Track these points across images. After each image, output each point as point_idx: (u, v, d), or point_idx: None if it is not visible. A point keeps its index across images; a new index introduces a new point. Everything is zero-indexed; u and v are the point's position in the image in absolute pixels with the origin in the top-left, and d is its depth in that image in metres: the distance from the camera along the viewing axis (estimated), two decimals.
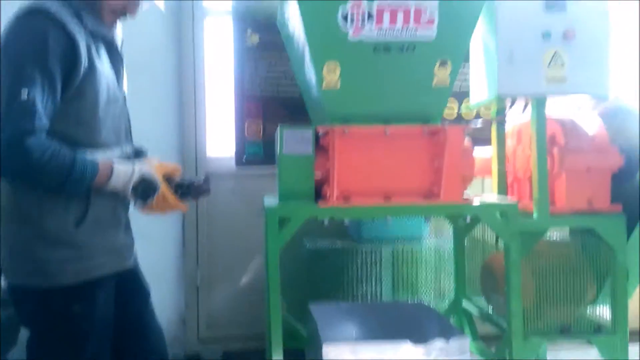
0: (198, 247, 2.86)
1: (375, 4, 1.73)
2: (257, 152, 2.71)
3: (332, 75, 1.76)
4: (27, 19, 1.31)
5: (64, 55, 1.30)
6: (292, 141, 1.80)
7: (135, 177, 1.40)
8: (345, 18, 1.73)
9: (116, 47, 1.52)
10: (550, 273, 2.01)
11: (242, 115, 2.69)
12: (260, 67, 2.68)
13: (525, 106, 2.00)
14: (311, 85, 1.90)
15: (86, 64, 1.34)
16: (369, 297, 2.51)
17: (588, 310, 2.10)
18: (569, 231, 2.18)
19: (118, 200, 1.45)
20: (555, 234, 2.17)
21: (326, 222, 1.81)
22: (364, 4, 1.73)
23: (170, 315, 2.79)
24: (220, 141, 2.91)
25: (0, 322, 1.85)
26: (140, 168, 1.42)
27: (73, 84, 1.33)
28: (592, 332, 2.03)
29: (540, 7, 1.87)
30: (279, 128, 1.81)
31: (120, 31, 1.60)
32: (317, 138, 1.82)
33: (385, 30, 1.75)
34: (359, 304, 2.45)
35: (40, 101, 1.26)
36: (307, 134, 1.79)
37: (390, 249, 2.53)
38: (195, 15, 2.80)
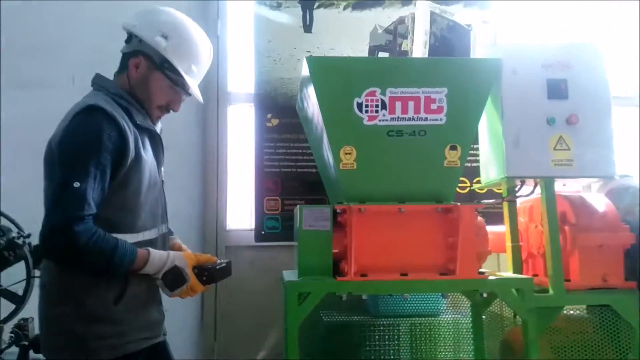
0: (216, 319, 2.88)
1: (387, 95, 1.87)
2: (275, 226, 2.78)
3: (349, 157, 1.87)
4: (84, 115, 1.44)
5: (115, 149, 1.43)
6: (311, 218, 1.86)
7: (167, 266, 1.49)
8: (360, 107, 1.86)
9: (159, 136, 1.66)
10: (570, 349, 1.99)
11: (262, 191, 2.79)
12: (279, 146, 2.82)
13: (535, 186, 2.07)
14: (329, 165, 2.01)
15: (133, 155, 1.47)
16: None
17: None
18: (587, 306, 2.17)
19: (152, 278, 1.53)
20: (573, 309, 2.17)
21: (344, 297, 1.84)
22: (377, 94, 1.86)
23: None
24: (240, 215, 3.01)
25: None
26: (173, 259, 1.51)
27: (120, 173, 1.45)
28: None
29: (543, 95, 1.97)
30: (298, 207, 1.89)
31: None
32: (335, 215, 1.88)
33: (398, 117, 1.87)
34: None
35: (91, 191, 1.37)
36: (326, 211, 1.87)
37: (409, 324, 2.51)
38: (220, 99, 2.99)
